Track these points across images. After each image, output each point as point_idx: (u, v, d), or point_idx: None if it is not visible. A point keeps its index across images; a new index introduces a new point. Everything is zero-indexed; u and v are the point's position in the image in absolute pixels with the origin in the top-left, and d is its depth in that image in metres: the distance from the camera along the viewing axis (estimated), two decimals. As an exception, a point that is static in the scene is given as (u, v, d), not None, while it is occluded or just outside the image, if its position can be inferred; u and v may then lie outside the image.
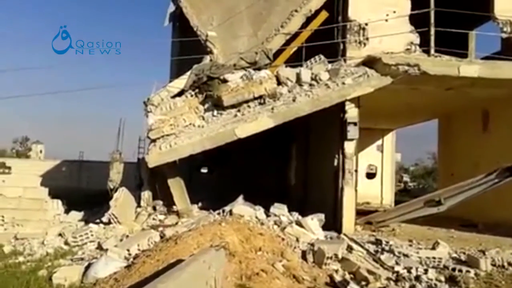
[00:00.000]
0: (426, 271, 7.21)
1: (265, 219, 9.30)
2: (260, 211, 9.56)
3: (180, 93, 11.67)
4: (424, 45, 11.43)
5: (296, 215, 9.62)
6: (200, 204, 12.02)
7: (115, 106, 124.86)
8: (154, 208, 11.15)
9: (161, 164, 10.31)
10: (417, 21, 11.50)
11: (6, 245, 9.24)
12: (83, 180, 27.52)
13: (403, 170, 46.73)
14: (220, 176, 17.54)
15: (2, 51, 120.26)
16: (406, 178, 44.00)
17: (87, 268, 7.19)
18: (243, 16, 12.61)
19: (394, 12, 11.51)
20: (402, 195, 25.85)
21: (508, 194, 10.69)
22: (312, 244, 7.93)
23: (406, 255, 8.02)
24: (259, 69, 11.36)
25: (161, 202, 11.22)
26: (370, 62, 10.86)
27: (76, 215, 11.71)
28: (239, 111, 10.73)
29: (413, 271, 7.21)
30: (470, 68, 10.39)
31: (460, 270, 7.27)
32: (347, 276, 7.09)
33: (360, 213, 11.80)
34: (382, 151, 19.82)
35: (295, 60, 12.02)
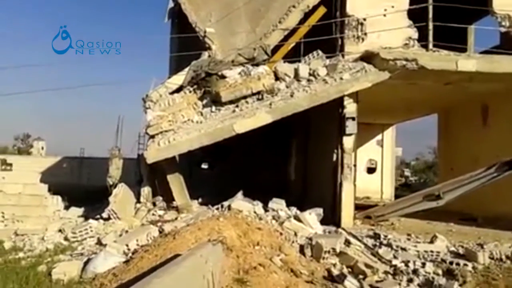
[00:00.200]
0: (423, 265, 7.24)
1: (264, 214, 9.33)
2: (258, 206, 9.59)
3: (179, 89, 11.68)
4: (422, 40, 11.42)
5: (294, 210, 9.66)
6: (200, 199, 12.06)
7: (116, 103, 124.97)
8: (154, 204, 11.19)
9: (160, 160, 10.34)
10: (416, 16, 11.49)
11: (7, 241, 9.34)
12: (84, 176, 27.52)
13: (404, 165, 46.70)
14: (220, 171, 17.57)
15: (2, 49, 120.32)
16: (407, 172, 43.96)
17: (86, 263, 7.26)
18: (241, 12, 12.61)
19: (393, 7, 11.49)
20: (403, 189, 25.87)
21: (508, 188, 10.69)
22: (310, 238, 7.97)
23: (404, 249, 8.06)
24: (257, 65, 11.36)
25: (160, 198, 11.26)
26: (368, 57, 10.87)
27: (76, 211, 11.78)
28: (237, 106, 10.75)
29: (411, 264, 7.26)
30: (468, 62, 10.39)
31: (457, 264, 7.30)
32: (345, 270, 7.14)
33: (360, 207, 11.83)
34: (382, 146, 19.85)
35: (293, 56, 12.03)
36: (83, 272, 7.02)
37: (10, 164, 25.00)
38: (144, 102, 11.45)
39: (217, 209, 9.85)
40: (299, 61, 11.56)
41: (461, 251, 8.09)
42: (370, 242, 8.62)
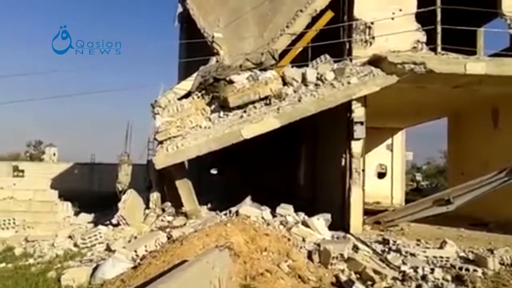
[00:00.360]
0: (432, 271, 7.14)
1: (271, 219, 9.32)
2: (266, 212, 9.58)
3: (187, 95, 11.76)
4: (431, 43, 11.35)
5: (302, 215, 9.62)
6: (209, 205, 12.09)
7: (127, 108, 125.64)
8: (163, 210, 11.23)
9: (168, 166, 10.39)
10: (424, 19, 11.42)
11: (17, 247, 9.42)
12: (95, 182, 27.80)
13: (415, 169, 46.40)
14: (230, 177, 17.58)
15: (11, 57, 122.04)
16: (418, 177, 43.66)
17: (95, 269, 7.29)
18: (249, 17, 12.66)
19: (400, 10, 11.42)
20: (414, 194, 25.63)
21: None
22: (318, 244, 7.93)
23: (413, 255, 7.97)
24: (264, 69, 11.39)
25: (169, 204, 11.30)
26: (376, 61, 10.81)
27: (85, 217, 11.88)
28: (245, 112, 10.78)
29: (420, 270, 7.15)
30: (477, 65, 10.29)
31: (467, 269, 7.19)
32: (353, 276, 7.06)
33: (369, 212, 11.75)
34: (391, 150, 19.73)
35: (301, 60, 12.03)
36: (91, 278, 7.06)
37: (22, 171, 25.32)
38: (153, 108, 11.54)
39: (225, 214, 9.86)
40: (307, 65, 11.56)
41: (471, 256, 7.98)
42: (379, 247, 8.56)
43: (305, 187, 16.48)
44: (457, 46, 11.05)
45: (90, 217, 12.01)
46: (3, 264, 8.25)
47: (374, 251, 8.20)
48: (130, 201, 10.35)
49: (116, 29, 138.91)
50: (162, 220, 10.47)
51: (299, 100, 10.43)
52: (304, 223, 9.05)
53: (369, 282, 6.74)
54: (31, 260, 8.47)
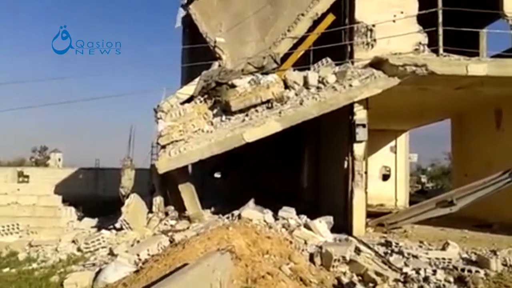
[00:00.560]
0: (435, 272, 7.13)
1: (274, 222, 9.33)
2: (268, 215, 9.59)
3: (190, 99, 11.81)
4: (434, 45, 11.35)
5: (304, 218, 9.63)
6: (213, 208, 12.11)
7: (132, 113, 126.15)
8: (166, 214, 11.26)
9: (171, 170, 10.43)
10: (426, 21, 11.44)
11: (21, 252, 9.45)
12: (100, 187, 27.94)
13: (420, 171, 46.27)
14: (233, 180, 17.62)
15: (13, 63, 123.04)
16: (423, 179, 43.54)
17: (98, 273, 7.32)
18: (251, 22, 12.72)
19: (402, 12, 11.46)
20: (419, 196, 25.54)
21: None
22: (320, 247, 7.92)
23: (415, 256, 7.96)
24: (266, 73, 11.44)
25: (172, 208, 11.34)
26: (377, 64, 10.82)
27: (89, 222, 11.92)
28: (247, 115, 10.81)
29: (422, 272, 7.14)
30: (479, 66, 10.28)
31: (469, 271, 7.18)
32: (355, 278, 7.06)
33: (373, 215, 11.75)
34: (395, 152, 19.70)
35: (302, 64, 12.07)
36: (94, 283, 7.08)
37: (27, 176, 25.47)
38: (156, 112, 11.60)
39: (227, 218, 9.88)
40: (308, 68, 11.59)
41: (473, 258, 7.97)
42: (381, 250, 8.54)
43: (308, 190, 16.49)
44: (460, 47, 11.05)
45: (93, 221, 12.06)
46: (7, 269, 8.28)
47: (376, 253, 8.19)
48: (133, 205, 10.39)
49: (117, 33, 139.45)
50: (165, 224, 10.50)
51: (301, 103, 10.45)
52: (306, 226, 9.05)
53: (371, 284, 6.74)
54: (34, 265, 8.50)
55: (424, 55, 11.05)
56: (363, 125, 10.61)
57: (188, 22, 15.55)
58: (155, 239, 8.89)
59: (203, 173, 17.00)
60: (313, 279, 6.88)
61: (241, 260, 6.58)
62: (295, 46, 12.18)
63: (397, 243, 8.89)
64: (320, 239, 8.60)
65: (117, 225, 10.25)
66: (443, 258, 7.80)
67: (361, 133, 10.60)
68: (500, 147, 12.59)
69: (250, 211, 9.73)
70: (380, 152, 19.30)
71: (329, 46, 11.61)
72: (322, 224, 9.16)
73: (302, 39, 12.16)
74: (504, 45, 13.35)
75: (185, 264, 5.98)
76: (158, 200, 11.26)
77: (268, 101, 10.88)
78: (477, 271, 7.16)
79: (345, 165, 10.94)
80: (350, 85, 10.47)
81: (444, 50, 11.15)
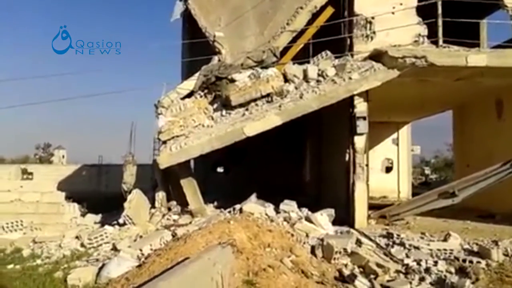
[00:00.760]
0: (436, 263, 7.17)
1: (275, 216, 9.36)
2: (270, 208, 9.62)
3: (190, 94, 11.81)
4: (433, 36, 11.31)
5: (305, 211, 9.66)
6: (215, 203, 12.15)
7: (134, 108, 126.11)
8: (169, 209, 11.31)
9: (173, 165, 10.46)
10: (426, 12, 11.39)
11: (25, 249, 9.53)
12: (103, 183, 28.03)
13: (424, 163, 46.24)
14: (236, 174, 17.67)
15: (14, 60, 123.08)
16: (427, 170, 43.49)
17: (101, 268, 7.40)
18: (250, 16, 12.67)
19: (401, 4, 11.39)
20: (423, 188, 25.52)
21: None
22: (321, 239, 7.95)
23: (417, 248, 7.99)
24: (266, 67, 11.41)
25: (175, 203, 11.38)
26: (377, 56, 10.80)
27: (92, 218, 11.99)
28: (247, 110, 10.82)
29: (423, 263, 7.19)
30: (478, 57, 10.24)
31: (470, 261, 7.21)
32: (356, 270, 7.11)
33: (376, 207, 11.77)
34: (397, 145, 19.67)
35: (302, 57, 12.04)
36: (97, 278, 7.17)
37: (31, 173, 25.58)
38: (156, 108, 11.61)
39: (229, 212, 9.92)
40: (308, 62, 11.57)
41: (475, 248, 7.99)
42: (383, 241, 8.57)
43: (311, 183, 16.52)
44: (460, 38, 11.00)
45: (97, 217, 12.14)
46: (11, 266, 8.38)
47: (377, 245, 8.22)
48: (135, 201, 10.44)
49: (117, 30, 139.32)
50: (167, 219, 10.55)
51: (301, 97, 10.45)
52: (308, 219, 9.09)
53: (372, 276, 6.78)
54: (38, 261, 8.60)
55: (423, 46, 11.01)
56: (364, 118, 10.61)
57: (187, 17, 15.53)
58: (158, 234, 8.95)
59: (206, 167, 17.02)
60: (315, 271, 6.93)
61: (242, 253, 6.63)
62: (294, 40, 12.14)
63: (398, 235, 8.93)
64: (321, 232, 8.64)
65: (120, 221, 10.32)
66: (445, 249, 7.84)
67: (362, 126, 10.60)
68: (501, 137, 12.56)
69: (252, 205, 9.76)
70: (382, 145, 19.27)
71: (329, 39, 11.57)
72: (324, 217, 9.19)
73: (301, 33, 12.11)
74: (504, 35, 13.31)
75: (187, 258, 6.03)
76: (160, 195, 11.30)
77: (268, 95, 10.87)
78: (478, 262, 7.20)
79: (346, 158, 10.96)
80: (350, 78, 10.46)
81: (444, 42, 11.08)
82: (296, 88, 10.93)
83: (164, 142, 10.69)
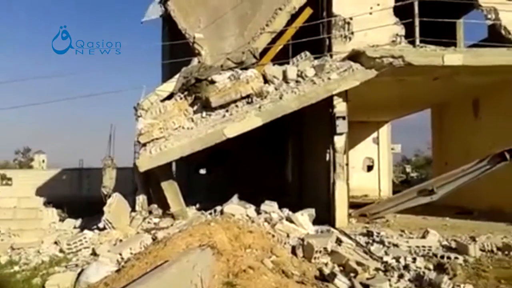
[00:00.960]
0: (414, 260, 7.25)
1: (256, 216, 9.36)
2: (251, 209, 9.62)
3: (170, 97, 11.74)
4: (411, 36, 11.45)
5: (286, 211, 9.68)
6: (198, 205, 12.09)
7: (114, 111, 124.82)
8: (150, 212, 11.21)
9: (153, 168, 10.38)
10: (403, 12, 11.52)
11: (3, 256, 9.32)
12: (84, 187, 27.70)
13: (405, 161, 46.68)
14: (218, 176, 17.64)
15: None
16: (408, 169, 43.91)
17: (80, 274, 7.28)
18: (229, 17, 12.66)
19: (378, 5, 11.52)
20: (404, 186, 25.79)
21: (503, 180, 10.76)
22: (302, 239, 7.98)
23: (396, 245, 8.08)
24: (246, 68, 11.41)
25: (156, 206, 11.29)
26: (355, 56, 10.91)
27: (71, 223, 11.82)
28: (227, 111, 10.80)
29: (402, 260, 7.26)
30: (454, 56, 10.43)
31: (448, 257, 7.32)
32: (336, 269, 7.12)
33: (357, 205, 11.86)
34: (378, 143, 19.89)
35: (282, 58, 12.07)
36: (76, 283, 7.04)
37: (10, 179, 25.15)
38: (136, 110, 11.53)
39: (210, 214, 9.89)
40: (288, 63, 11.61)
41: (453, 244, 8.12)
42: (363, 240, 8.65)
43: (293, 183, 16.60)
44: (437, 38, 11.17)
45: (76, 222, 11.97)
46: (-12, 273, 8.21)
47: (357, 243, 8.29)
48: (115, 205, 10.31)
49: (101, 31, 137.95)
50: (148, 222, 10.43)
51: (281, 98, 10.49)
52: (289, 219, 9.11)
53: (352, 274, 6.80)
54: (16, 268, 8.41)
55: (400, 46, 11.15)
56: (343, 117, 10.70)
57: (167, 18, 15.45)
58: (138, 237, 8.86)
59: (188, 170, 16.96)
60: (295, 271, 6.93)
61: (222, 255, 6.60)
62: (273, 41, 12.18)
63: (378, 233, 9.01)
64: (302, 232, 8.67)
65: (100, 225, 10.17)
66: (423, 246, 7.93)
67: (341, 125, 10.69)
68: (478, 135, 12.82)
69: (233, 206, 9.75)
70: (363, 144, 19.49)
71: (308, 40, 11.63)
72: (304, 217, 9.23)
73: (281, 34, 12.15)
74: (481, 35, 13.55)
75: (166, 261, 5.99)
76: (141, 198, 11.18)
77: (248, 96, 10.88)
78: (456, 258, 7.30)
79: (327, 158, 11.03)
80: (329, 78, 10.54)
81: (421, 41, 11.24)
82: (276, 89, 10.97)
83: (144, 145, 10.60)
